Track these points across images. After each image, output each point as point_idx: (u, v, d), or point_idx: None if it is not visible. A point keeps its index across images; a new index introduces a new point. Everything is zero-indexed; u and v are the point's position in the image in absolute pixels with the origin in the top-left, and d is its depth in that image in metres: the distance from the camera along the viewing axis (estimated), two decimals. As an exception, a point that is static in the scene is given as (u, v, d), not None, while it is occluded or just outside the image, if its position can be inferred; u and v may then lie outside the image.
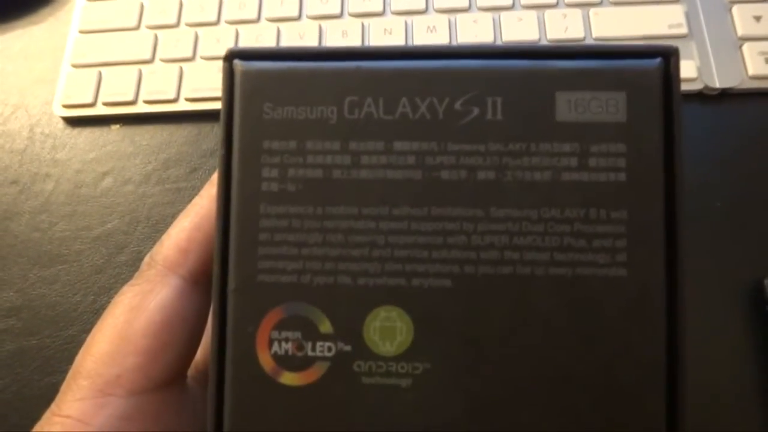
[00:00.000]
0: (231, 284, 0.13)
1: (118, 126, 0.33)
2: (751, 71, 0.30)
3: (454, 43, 0.32)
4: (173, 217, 0.16)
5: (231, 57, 0.13)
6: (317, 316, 0.13)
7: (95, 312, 0.29)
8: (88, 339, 0.15)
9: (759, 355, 0.26)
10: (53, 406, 0.15)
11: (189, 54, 0.33)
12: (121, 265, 0.30)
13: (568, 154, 0.13)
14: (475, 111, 0.13)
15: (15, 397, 0.28)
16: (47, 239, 0.31)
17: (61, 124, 0.34)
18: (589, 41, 0.31)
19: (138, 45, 0.34)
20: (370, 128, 0.13)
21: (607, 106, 0.13)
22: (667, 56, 0.13)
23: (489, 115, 0.13)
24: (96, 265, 0.30)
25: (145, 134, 0.33)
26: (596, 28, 0.32)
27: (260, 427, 0.13)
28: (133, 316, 0.15)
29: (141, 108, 0.32)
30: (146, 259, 0.16)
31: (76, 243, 0.31)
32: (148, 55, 0.33)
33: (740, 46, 0.31)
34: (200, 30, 0.34)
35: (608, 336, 0.12)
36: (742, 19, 0.31)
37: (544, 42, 0.31)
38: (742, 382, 0.26)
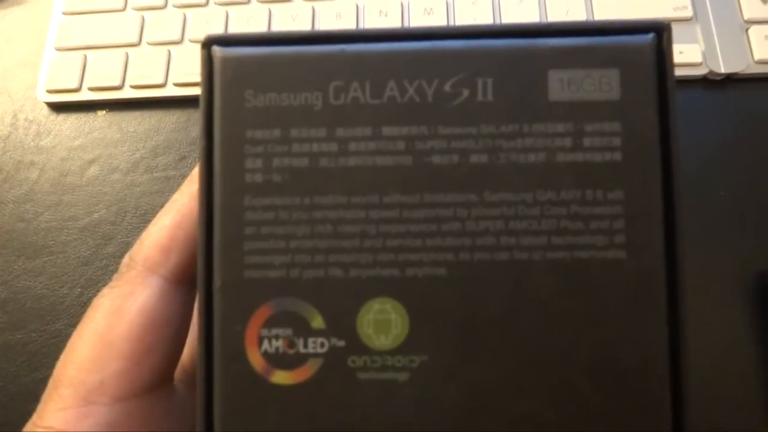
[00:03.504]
0: (217, 281, 0.12)
1: (104, 112, 0.32)
2: (757, 56, 0.30)
3: (452, 26, 0.31)
4: (162, 206, 0.15)
5: (209, 43, 0.13)
6: (308, 311, 0.12)
7: (82, 305, 0.28)
8: (68, 345, 0.15)
9: (763, 345, 0.26)
10: (35, 417, 0.14)
11: (177, 37, 0.32)
12: (108, 256, 0.29)
13: (562, 134, 0.12)
14: (466, 93, 0.12)
15: (0, 393, 0.27)
16: (32, 230, 0.30)
17: (45, 109, 0.33)
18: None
19: (124, 27, 0.32)
20: (357, 114, 0.12)
21: (600, 84, 0.12)
22: (659, 31, 0.12)
23: (480, 97, 0.12)
24: (83, 257, 0.29)
25: (132, 120, 0.32)
26: (598, 11, 0.31)
27: (252, 428, 0.12)
28: (114, 320, 0.14)
29: (128, 93, 0.31)
30: (125, 259, 0.15)
31: (62, 234, 0.30)
32: (134, 38, 0.32)
33: (746, 30, 0.30)
34: (189, 12, 0.32)
35: (609, 319, 0.12)
36: (748, 1, 0.31)
37: (545, 25, 0.30)
38: (745, 372, 0.25)
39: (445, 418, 0.12)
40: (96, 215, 0.30)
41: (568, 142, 0.12)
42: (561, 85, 0.12)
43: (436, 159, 0.12)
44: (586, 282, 0.12)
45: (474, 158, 0.12)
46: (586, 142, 0.12)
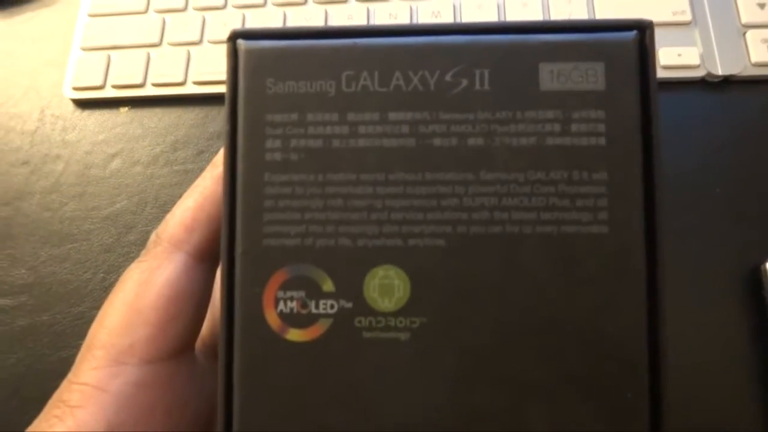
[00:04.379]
0: (238, 248, 0.14)
1: (126, 108, 0.34)
2: (753, 58, 0.31)
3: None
4: (180, 198, 0.17)
5: (234, 37, 0.14)
6: (320, 276, 0.14)
7: (105, 289, 0.30)
8: (100, 313, 0.16)
9: (756, 339, 0.27)
10: (70, 375, 0.15)
11: (196, 38, 0.34)
12: (129, 244, 0.31)
13: (551, 120, 0.13)
14: (464, 82, 0.14)
15: (28, 370, 0.29)
16: (58, 219, 0.32)
17: (70, 106, 0.34)
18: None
19: (146, 29, 0.34)
20: (366, 100, 0.14)
21: (587, 76, 0.13)
22: (642, 29, 0.14)
23: (477, 86, 0.14)
24: (105, 244, 0.31)
25: (153, 117, 0.33)
26: (599, 14, 0.32)
27: (268, 381, 0.13)
28: (142, 291, 0.16)
29: (149, 91, 0.33)
30: (152, 237, 0.17)
31: (86, 222, 0.31)
32: (156, 39, 0.34)
33: (743, 34, 0.31)
34: (207, 14, 0.34)
35: (592, 288, 0.13)
36: (746, 6, 0.31)
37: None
38: (739, 366, 0.26)
39: (441, 374, 0.13)
40: (118, 205, 0.32)
41: (557, 127, 0.13)
42: (551, 76, 0.13)
43: (437, 141, 0.14)
44: (572, 254, 0.13)
45: (471, 141, 0.14)
46: (574, 127, 0.13)
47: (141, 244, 0.31)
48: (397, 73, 0.14)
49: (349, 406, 0.13)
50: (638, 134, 0.13)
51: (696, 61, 0.31)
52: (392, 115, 0.14)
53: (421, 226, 0.13)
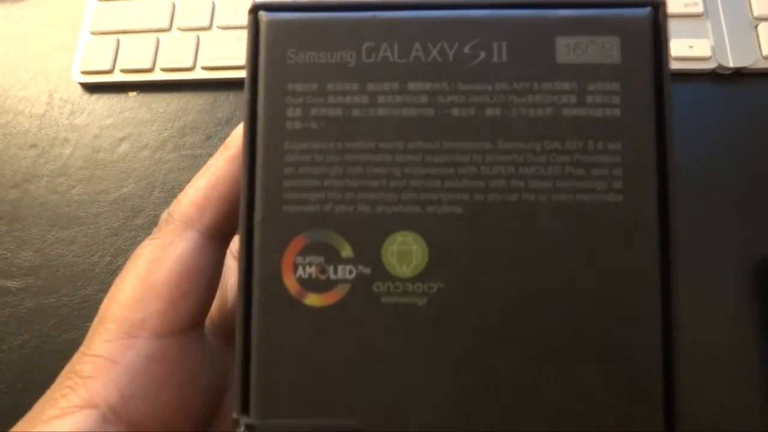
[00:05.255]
0: (258, 215, 0.14)
1: (135, 93, 0.34)
2: (765, 51, 0.30)
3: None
4: (188, 183, 0.17)
5: (256, 9, 0.14)
6: (339, 241, 0.14)
7: (112, 272, 0.30)
8: (113, 288, 0.16)
9: (763, 331, 0.27)
10: (83, 348, 0.15)
11: (206, 23, 0.33)
12: (137, 228, 0.31)
13: (567, 92, 0.14)
14: (482, 54, 0.14)
15: (34, 352, 0.29)
16: (65, 202, 0.32)
17: (79, 90, 0.34)
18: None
19: (156, 13, 0.34)
20: (386, 70, 0.14)
21: (603, 49, 0.14)
22: (656, 6, 0.14)
23: (495, 58, 0.14)
24: (112, 228, 0.31)
25: (161, 102, 0.33)
26: (611, 5, 0.32)
27: (286, 344, 0.14)
28: (154, 267, 0.16)
29: (158, 75, 0.33)
30: (164, 215, 0.17)
31: (93, 206, 0.31)
32: (165, 24, 0.34)
33: (755, 27, 0.31)
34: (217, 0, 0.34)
35: (606, 255, 0.13)
36: (758, -1, 0.31)
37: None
38: (746, 357, 0.26)
39: (457, 338, 0.13)
40: (125, 189, 0.32)
41: (572, 98, 0.14)
42: (567, 50, 0.14)
43: (455, 111, 0.14)
44: (587, 221, 0.13)
45: (489, 111, 0.14)
46: (589, 99, 0.14)
47: (148, 228, 0.31)
48: (417, 45, 0.14)
49: (366, 369, 0.13)
50: (652, 106, 0.14)
51: (707, 53, 0.31)
52: (411, 86, 0.14)
53: (439, 193, 0.14)
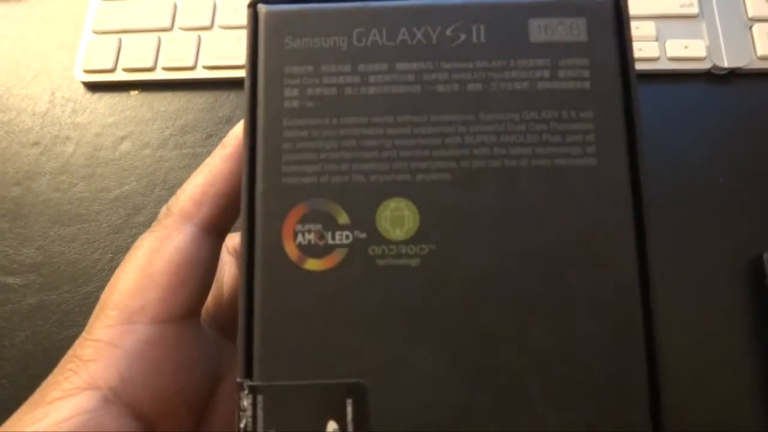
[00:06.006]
0: (259, 188, 0.15)
1: (136, 92, 0.34)
2: (760, 52, 0.31)
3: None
4: (187, 180, 0.17)
5: (255, 2, 0.16)
6: (335, 209, 0.15)
7: (113, 270, 0.30)
8: (113, 277, 0.17)
9: (758, 329, 0.27)
10: (84, 334, 0.16)
11: (207, 23, 0.34)
12: (138, 225, 0.31)
13: (541, 67, 0.15)
14: (463, 36, 0.15)
15: (36, 348, 0.29)
16: (67, 199, 0.32)
17: (81, 88, 0.34)
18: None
19: (158, 13, 0.34)
20: (375, 53, 0.15)
21: (571, 30, 0.15)
22: None
23: (474, 39, 0.15)
24: (114, 225, 0.31)
25: (163, 100, 0.34)
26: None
27: (288, 306, 0.14)
28: (153, 257, 0.16)
29: (160, 75, 0.33)
30: (163, 209, 0.18)
31: (95, 203, 0.32)
32: (167, 23, 0.34)
33: (750, 27, 0.31)
34: None
35: (584, 213, 0.15)
36: (753, 0, 0.32)
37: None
38: (740, 355, 0.27)
39: (449, 297, 0.14)
40: (127, 187, 0.32)
41: (546, 73, 0.15)
42: (539, 30, 0.15)
43: (440, 87, 0.15)
44: (565, 184, 0.15)
45: (471, 86, 0.15)
46: (561, 73, 0.15)
47: (149, 225, 0.30)
48: (403, 29, 0.15)
49: (364, 329, 0.14)
50: (618, 77, 0.15)
51: (702, 53, 0.31)
52: (399, 66, 0.15)
53: (427, 162, 0.15)
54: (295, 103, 0.15)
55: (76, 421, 0.14)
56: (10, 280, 0.30)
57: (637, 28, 0.32)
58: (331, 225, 0.15)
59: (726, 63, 0.31)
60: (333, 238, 0.15)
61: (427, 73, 0.15)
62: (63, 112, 0.34)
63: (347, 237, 0.15)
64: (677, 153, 0.30)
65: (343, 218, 0.15)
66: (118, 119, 0.33)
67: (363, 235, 0.15)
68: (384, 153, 0.15)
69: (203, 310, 0.18)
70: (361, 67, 0.15)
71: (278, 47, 0.15)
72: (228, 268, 0.20)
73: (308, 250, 0.14)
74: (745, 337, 0.27)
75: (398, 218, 0.15)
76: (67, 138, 0.33)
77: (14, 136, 0.34)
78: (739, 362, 0.26)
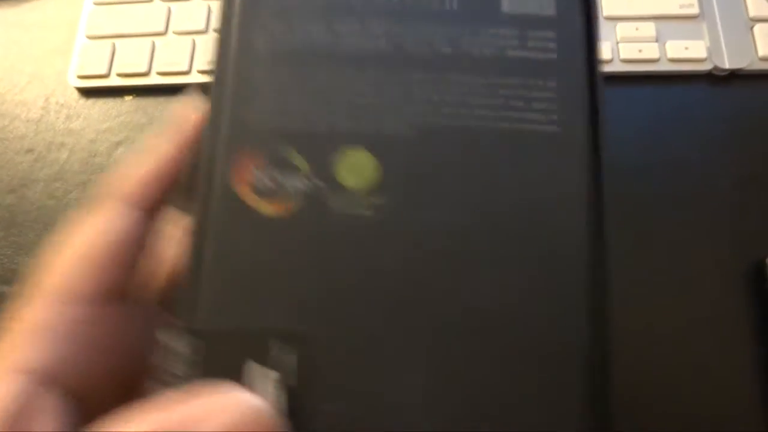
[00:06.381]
0: (222, 130, 0.15)
1: (131, 97, 0.34)
2: (761, 52, 0.30)
3: None
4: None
5: None
6: (295, 156, 0.15)
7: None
8: (47, 258, 0.17)
9: (759, 333, 0.27)
10: (14, 316, 0.16)
11: (202, 27, 0.33)
12: (133, 232, 0.31)
13: (510, 36, 0.16)
14: (436, 2, 0.16)
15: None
16: (62, 206, 0.32)
17: (75, 94, 0.34)
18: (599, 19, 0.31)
19: (151, 17, 0.34)
20: (349, 9, 0.16)
21: (540, 3, 0.16)
22: None
23: (447, 6, 0.16)
24: (109, 233, 0.31)
25: (157, 105, 0.33)
26: (607, 7, 0.32)
27: (238, 250, 0.14)
28: (86, 238, 0.16)
29: (154, 79, 0.33)
30: (102, 191, 0.18)
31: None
32: (161, 28, 0.34)
33: (751, 28, 0.31)
34: (213, 2, 0.34)
35: (540, 174, 0.15)
36: (754, 0, 0.31)
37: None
38: (741, 359, 0.26)
39: (402, 249, 0.14)
40: (122, 194, 0.31)
41: (515, 42, 0.16)
42: (510, 2, 0.16)
43: (411, 47, 0.16)
44: (526, 146, 0.15)
45: (440, 48, 0.16)
46: (530, 44, 0.16)
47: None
48: None
49: (316, 275, 0.14)
50: (582, 51, 0.16)
51: (703, 54, 0.31)
52: (371, 23, 0.16)
53: (393, 115, 0.15)
54: (264, 52, 0.15)
55: (4, 403, 0.14)
56: (5, 288, 0.30)
57: (636, 29, 0.31)
58: (291, 171, 0.15)
59: (727, 64, 0.30)
60: (290, 183, 0.15)
61: (397, 32, 0.16)
62: (57, 118, 0.34)
63: (305, 183, 0.15)
64: (678, 155, 0.30)
65: (303, 166, 0.15)
66: (112, 125, 0.33)
67: (321, 183, 0.15)
68: (349, 105, 0.15)
69: (140, 288, 0.18)
70: (333, 22, 0.16)
71: (253, 2, 0.16)
72: (171, 245, 0.20)
73: (264, 194, 0.15)
74: (747, 341, 0.26)
75: (358, 168, 0.15)
76: (62, 144, 0.33)
77: (8, 143, 0.33)
78: (741, 366, 0.26)
